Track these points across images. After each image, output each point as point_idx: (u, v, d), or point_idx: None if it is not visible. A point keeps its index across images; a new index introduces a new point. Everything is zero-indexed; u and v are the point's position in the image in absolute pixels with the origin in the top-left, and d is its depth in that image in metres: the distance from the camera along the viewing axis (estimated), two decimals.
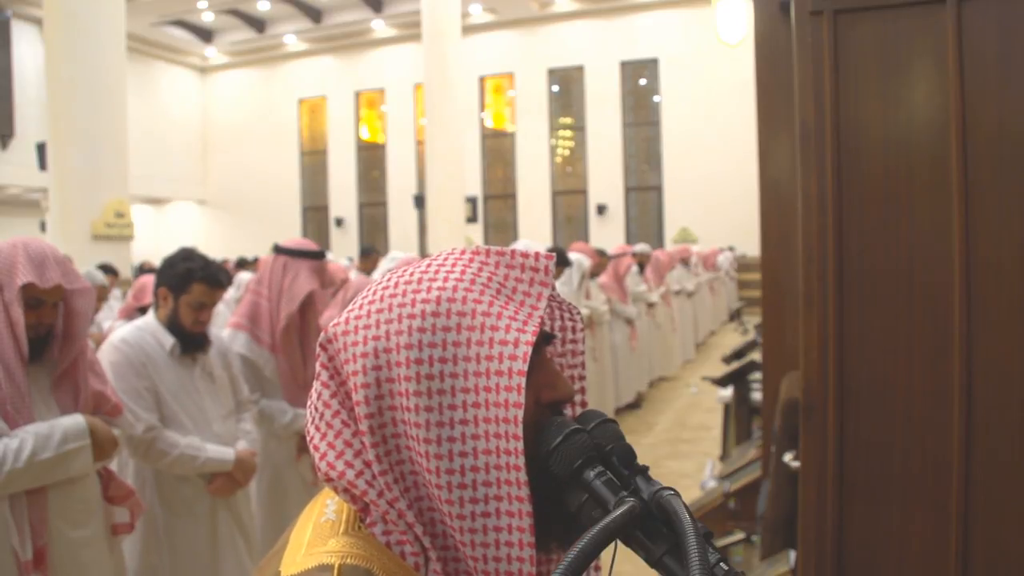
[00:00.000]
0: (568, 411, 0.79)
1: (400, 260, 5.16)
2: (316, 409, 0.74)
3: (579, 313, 0.85)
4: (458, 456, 0.67)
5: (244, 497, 2.56)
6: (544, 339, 0.75)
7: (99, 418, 2.01)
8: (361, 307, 0.73)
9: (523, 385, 0.66)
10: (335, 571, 0.66)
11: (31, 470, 1.80)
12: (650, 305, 7.96)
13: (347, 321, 0.73)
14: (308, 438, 0.74)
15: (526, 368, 0.66)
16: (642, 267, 8.11)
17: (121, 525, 2.10)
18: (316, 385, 0.75)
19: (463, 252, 0.74)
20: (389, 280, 0.73)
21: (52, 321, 1.93)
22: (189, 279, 2.34)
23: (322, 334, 0.75)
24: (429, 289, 0.70)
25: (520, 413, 0.66)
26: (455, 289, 0.70)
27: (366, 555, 0.68)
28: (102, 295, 4.59)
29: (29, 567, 1.80)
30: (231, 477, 2.41)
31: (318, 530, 0.72)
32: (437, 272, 0.72)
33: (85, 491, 1.98)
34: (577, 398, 0.82)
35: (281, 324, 2.83)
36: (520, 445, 0.66)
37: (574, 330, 0.84)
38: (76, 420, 1.92)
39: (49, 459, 1.83)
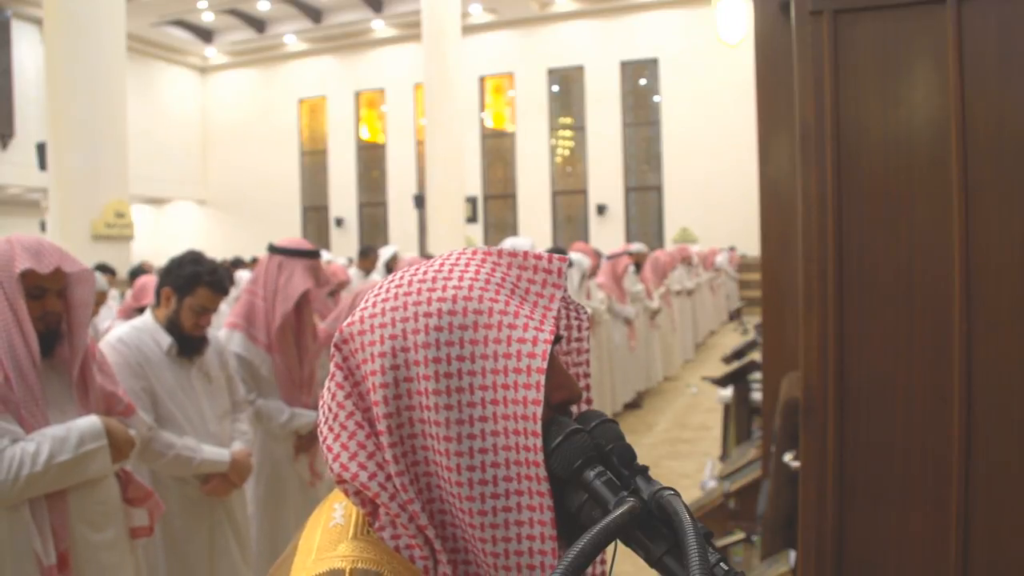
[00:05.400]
0: (573, 410, 0.79)
1: (403, 260, 5.16)
2: (330, 410, 0.73)
3: (585, 311, 0.85)
4: (478, 453, 0.68)
5: (239, 497, 2.56)
6: (554, 340, 0.75)
7: (114, 419, 1.98)
8: (375, 305, 0.72)
9: (542, 383, 0.66)
10: (346, 575, 0.66)
11: (49, 473, 1.77)
12: (653, 316, 7.93)
13: (362, 320, 0.72)
14: (321, 438, 0.74)
15: (545, 366, 0.67)
16: (638, 267, 8.10)
17: (140, 528, 2.06)
18: (330, 385, 0.74)
19: (475, 252, 0.74)
20: (402, 279, 0.73)
21: (59, 311, 1.88)
22: (195, 282, 2.33)
23: (336, 334, 0.74)
24: (444, 288, 0.70)
25: (539, 410, 0.66)
26: (470, 288, 0.70)
27: (376, 559, 0.68)
28: (101, 299, 4.50)
29: (53, 572, 1.77)
30: (226, 478, 2.41)
31: (327, 535, 0.72)
32: (451, 271, 0.72)
33: (105, 493, 1.95)
34: (583, 394, 0.83)
35: (277, 323, 2.83)
36: (539, 441, 0.66)
37: (580, 328, 0.84)
38: (92, 421, 1.88)
39: (67, 461, 1.79)
